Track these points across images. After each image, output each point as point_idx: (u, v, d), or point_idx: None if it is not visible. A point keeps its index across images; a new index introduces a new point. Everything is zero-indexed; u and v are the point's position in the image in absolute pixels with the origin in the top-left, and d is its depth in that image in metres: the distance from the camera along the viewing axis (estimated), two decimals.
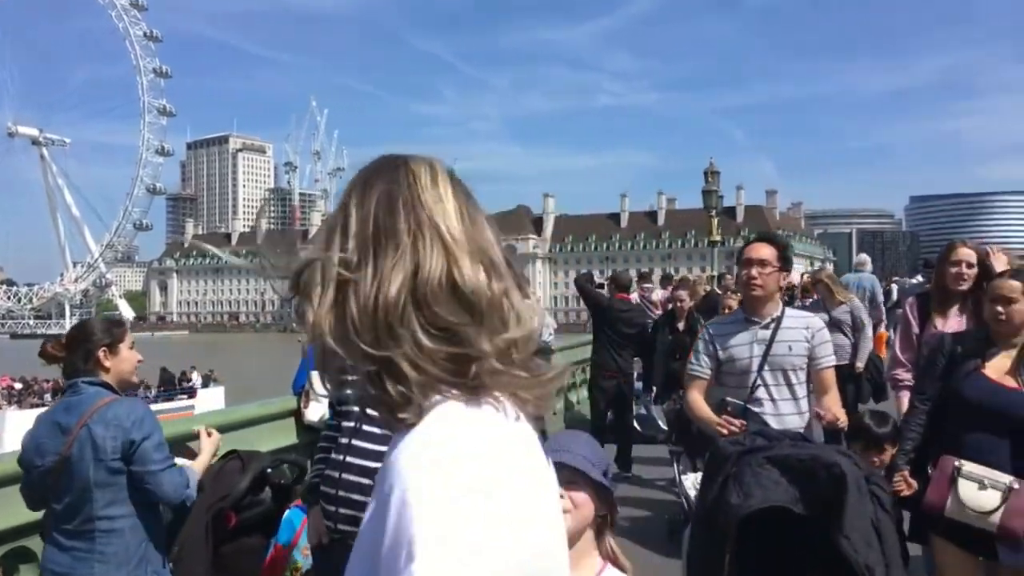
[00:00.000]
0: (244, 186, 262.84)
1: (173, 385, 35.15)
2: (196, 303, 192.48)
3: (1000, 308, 3.18)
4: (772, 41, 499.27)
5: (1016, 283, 3.20)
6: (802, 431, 3.18)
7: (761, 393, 3.46)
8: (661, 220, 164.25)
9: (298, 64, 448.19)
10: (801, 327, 3.54)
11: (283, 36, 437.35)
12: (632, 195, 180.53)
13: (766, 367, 3.45)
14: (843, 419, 3.41)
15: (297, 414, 5.16)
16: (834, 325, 7.14)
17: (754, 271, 3.45)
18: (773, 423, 3.31)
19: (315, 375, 5.16)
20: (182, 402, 30.58)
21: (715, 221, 21.60)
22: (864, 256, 13.49)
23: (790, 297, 9.31)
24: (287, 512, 3.75)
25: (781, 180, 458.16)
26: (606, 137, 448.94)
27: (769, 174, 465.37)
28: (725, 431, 3.16)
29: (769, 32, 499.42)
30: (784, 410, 3.46)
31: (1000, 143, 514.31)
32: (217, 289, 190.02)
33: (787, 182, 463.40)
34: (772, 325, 3.49)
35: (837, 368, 7.07)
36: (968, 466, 3.06)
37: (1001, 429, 3.09)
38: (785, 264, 3.51)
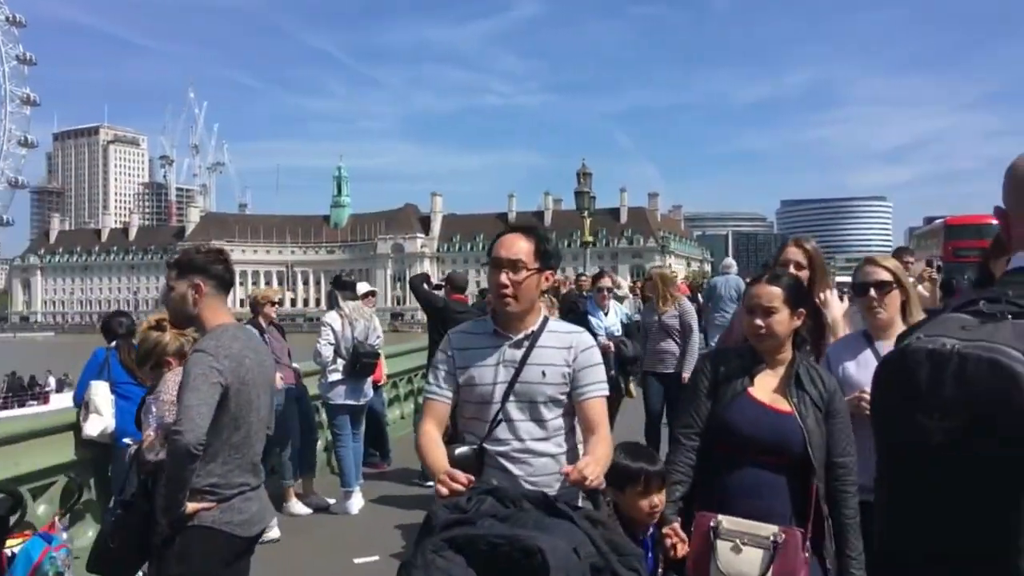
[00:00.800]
0: (116, 180, 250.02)
1: (23, 390, 33.12)
2: (63, 303, 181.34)
3: (758, 320, 2.67)
4: (654, 49, 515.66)
5: (776, 289, 2.68)
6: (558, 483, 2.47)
7: (503, 432, 2.57)
8: (548, 220, 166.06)
9: (176, 53, 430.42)
10: (562, 347, 2.62)
11: (160, 23, 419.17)
12: (521, 195, 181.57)
13: (511, 397, 2.57)
14: (592, 478, 2.25)
15: (77, 428, 4.71)
16: (663, 330, 7.10)
17: (503, 277, 2.54)
18: (519, 472, 2.53)
19: (96, 385, 4.72)
20: (31, 408, 28.83)
21: (587, 222, 21.79)
22: (730, 260, 14.02)
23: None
24: (24, 544, 3.33)
25: (664, 183, 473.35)
26: (495, 137, 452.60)
27: (652, 177, 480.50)
28: (444, 490, 2.18)
29: (651, 40, 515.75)
30: (537, 451, 2.58)
31: (864, 151, 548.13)
32: (86, 288, 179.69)
33: (669, 185, 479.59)
34: (525, 343, 2.60)
35: (665, 376, 7.03)
36: (726, 522, 2.51)
37: (774, 462, 2.59)
38: (544, 261, 2.59)
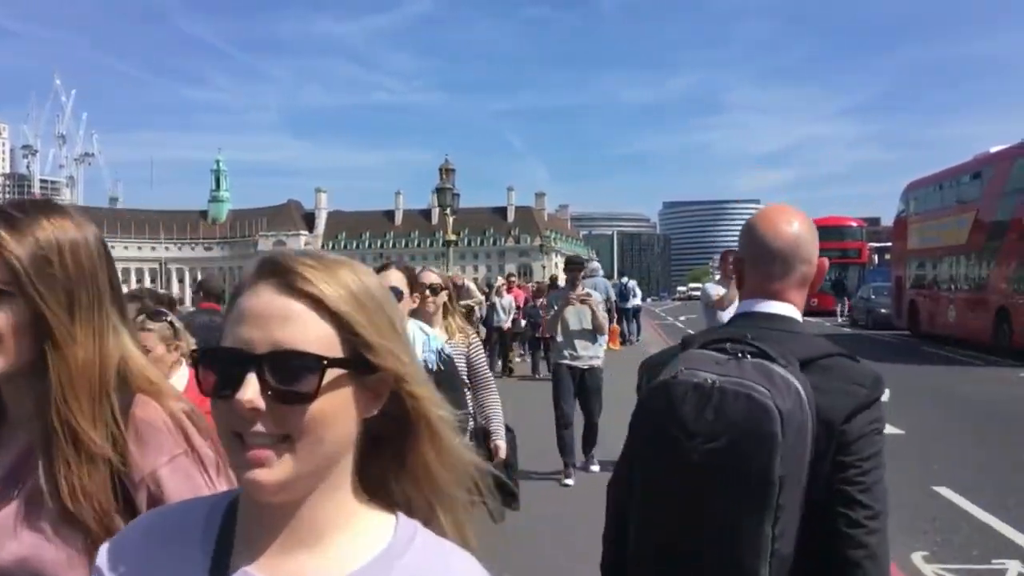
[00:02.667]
0: None
1: None
2: None
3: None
4: (544, 50, 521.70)
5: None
6: None
7: None
8: (435, 219, 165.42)
9: (43, 38, 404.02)
10: None
11: (22, 4, 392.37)
12: (410, 194, 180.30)
13: None
14: None
15: None
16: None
17: None
18: None
19: None
20: None
21: (450, 220, 21.62)
22: (596, 264, 16.37)
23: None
24: None
25: (552, 183, 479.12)
26: (385, 134, 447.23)
27: (542, 178, 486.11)
28: None
29: (542, 42, 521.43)
30: None
31: (742, 155, 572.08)
32: None
33: (557, 185, 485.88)
34: None
35: None
36: None
37: None
38: None
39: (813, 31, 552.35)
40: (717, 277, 7.51)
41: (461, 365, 4.06)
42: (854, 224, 41.03)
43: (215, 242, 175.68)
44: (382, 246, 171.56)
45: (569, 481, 6.94)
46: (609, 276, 70.64)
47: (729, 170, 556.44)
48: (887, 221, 44.96)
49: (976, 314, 19.23)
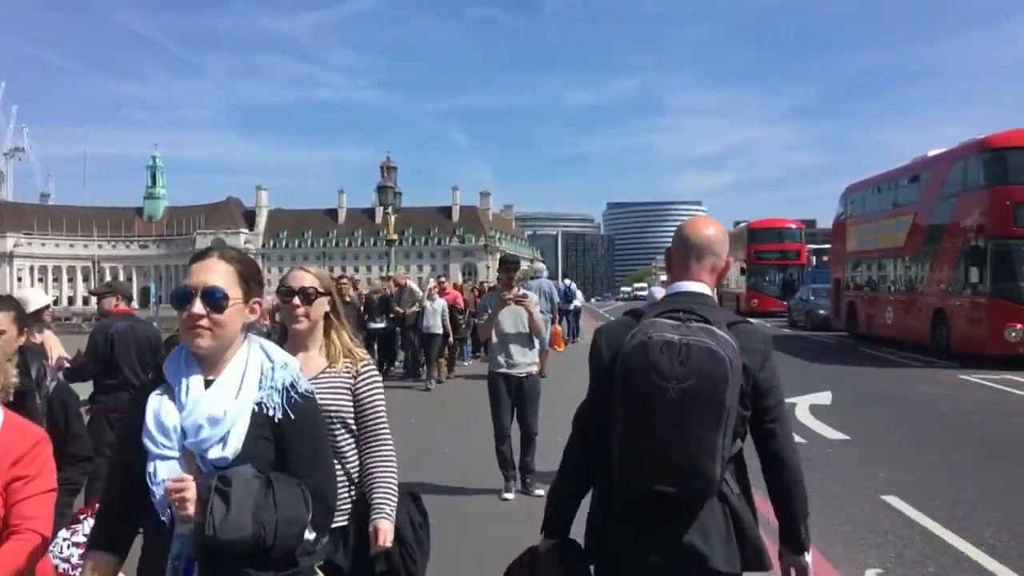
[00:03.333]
0: None
1: None
2: None
3: None
4: (490, 50, 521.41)
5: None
6: None
7: None
8: (379, 218, 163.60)
9: None
10: None
11: None
12: (354, 192, 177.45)
13: None
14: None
15: None
16: None
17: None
18: None
19: None
20: None
21: (391, 219, 21.10)
22: (541, 264, 16.61)
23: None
24: None
25: (497, 183, 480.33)
26: (328, 131, 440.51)
27: (487, 177, 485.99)
28: None
29: (487, 42, 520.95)
30: None
31: (684, 157, 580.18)
32: None
33: (502, 185, 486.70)
34: None
35: None
36: None
37: None
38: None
39: (751, 37, 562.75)
40: (663, 278, 7.25)
41: (341, 403, 2.83)
42: (793, 226, 41.59)
43: (151, 240, 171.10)
44: (324, 245, 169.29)
45: (509, 495, 6.52)
46: (553, 276, 70.64)
47: (671, 172, 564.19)
48: (824, 224, 45.77)
49: (913, 316, 19.49)
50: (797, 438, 9.16)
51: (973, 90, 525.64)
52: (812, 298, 29.74)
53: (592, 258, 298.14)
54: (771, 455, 2.25)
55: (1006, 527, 5.76)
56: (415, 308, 14.23)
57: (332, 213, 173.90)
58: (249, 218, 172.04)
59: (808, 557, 2.29)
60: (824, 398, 12.22)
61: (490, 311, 6.57)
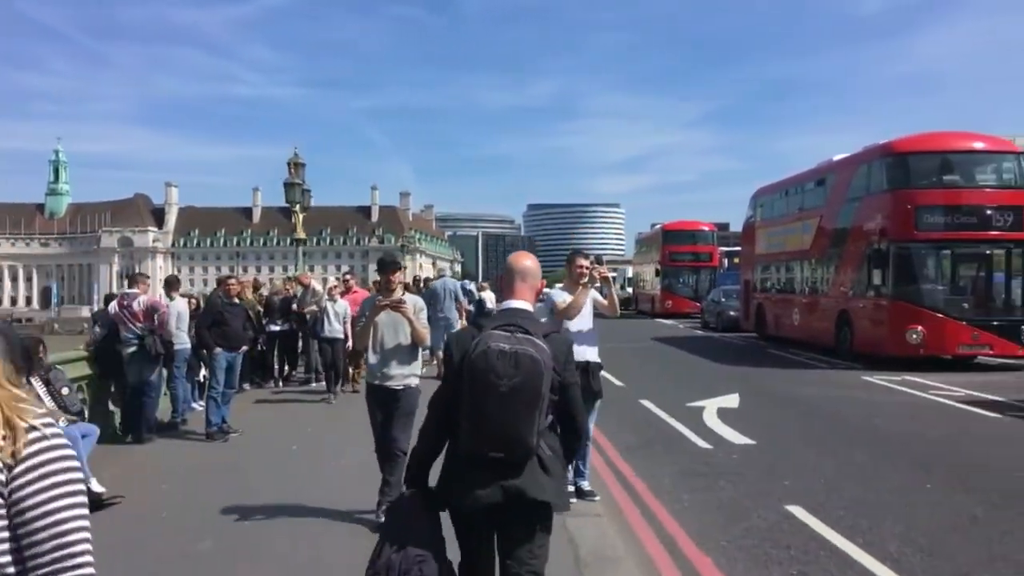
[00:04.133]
0: None
1: None
2: None
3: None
4: (410, 50, 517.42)
5: None
6: None
7: None
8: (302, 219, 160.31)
9: None
10: None
11: None
12: (269, 190, 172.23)
13: None
14: None
15: None
16: None
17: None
18: None
19: None
20: None
21: (299, 217, 20.35)
22: (444, 264, 16.03)
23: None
24: None
25: (418, 183, 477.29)
26: (244, 129, 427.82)
27: (407, 177, 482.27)
28: None
29: (406, 42, 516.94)
30: None
31: (603, 160, 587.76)
32: None
33: (423, 186, 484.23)
34: None
35: None
36: None
37: None
38: None
39: (665, 44, 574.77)
40: (559, 285, 6.82)
41: None
42: (706, 228, 42.21)
43: (52, 237, 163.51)
44: (238, 244, 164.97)
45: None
46: (475, 277, 70.16)
47: (590, 174, 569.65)
48: (736, 227, 46.68)
49: (819, 318, 19.79)
50: (703, 443, 8.96)
51: (872, 100, 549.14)
52: (723, 300, 30.13)
53: None
54: (567, 419, 3.13)
55: (909, 539, 5.58)
56: (312, 308, 13.39)
57: (246, 212, 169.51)
58: (158, 216, 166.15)
59: (586, 482, 4.78)
60: (732, 401, 12.12)
61: (366, 317, 5.95)
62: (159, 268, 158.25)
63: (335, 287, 13.06)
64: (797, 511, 6.24)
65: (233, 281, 10.24)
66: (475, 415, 2.91)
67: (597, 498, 6.38)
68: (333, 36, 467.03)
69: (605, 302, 6.56)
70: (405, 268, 6.62)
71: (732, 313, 28.34)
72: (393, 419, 5.86)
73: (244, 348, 10.13)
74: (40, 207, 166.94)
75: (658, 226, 44.15)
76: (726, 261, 42.02)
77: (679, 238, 40.92)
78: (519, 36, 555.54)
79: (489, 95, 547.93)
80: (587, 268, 6.37)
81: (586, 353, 6.36)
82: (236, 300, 10.06)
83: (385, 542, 3.01)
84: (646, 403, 11.91)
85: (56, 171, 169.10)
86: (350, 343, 11.81)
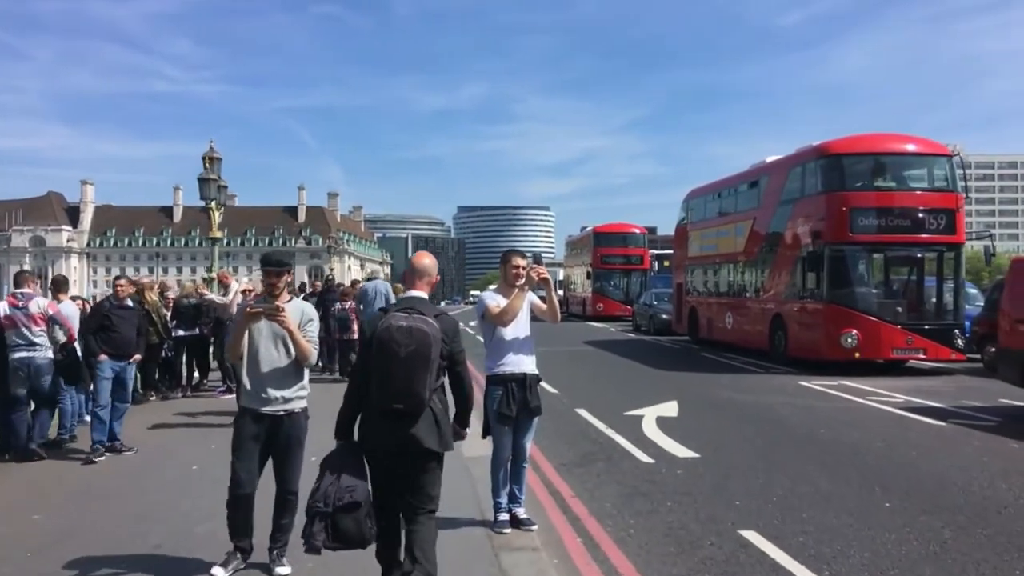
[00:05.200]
0: None
1: None
2: None
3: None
4: (338, 50, 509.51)
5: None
6: None
7: None
8: (219, 217, 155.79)
9: None
10: None
11: None
12: (191, 189, 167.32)
13: None
14: None
15: None
16: None
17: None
18: None
19: None
20: None
21: (215, 215, 19.21)
22: (377, 267, 15.71)
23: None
24: None
25: (347, 185, 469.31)
26: (165, 125, 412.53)
27: (336, 178, 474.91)
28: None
29: (335, 41, 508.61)
30: None
31: (533, 163, 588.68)
32: None
33: (352, 187, 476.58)
34: None
35: None
36: None
37: None
38: None
39: (593, 49, 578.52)
40: (492, 286, 6.09)
41: None
42: (637, 231, 42.10)
43: None
44: (158, 244, 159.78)
45: (219, 572, 4.70)
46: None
47: (520, 177, 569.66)
48: (664, 230, 46.85)
49: (752, 321, 19.56)
50: (644, 456, 8.33)
51: (791, 109, 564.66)
52: (655, 303, 29.92)
53: (443, 261, 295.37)
54: (456, 378, 4.16)
55: (879, 569, 5.03)
56: (220, 307, 12.32)
57: (167, 211, 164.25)
58: (73, 214, 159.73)
59: (468, 431, 4.41)
60: (670, 409, 11.60)
61: (235, 327, 4.95)
62: (73, 268, 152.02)
63: (248, 289, 11.27)
64: (753, 537, 5.64)
65: (123, 281, 9.11)
66: (381, 375, 3.84)
67: (534, 527, 5.66)
68: (258, 33, 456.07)
69: (544, 307, 5.84)
70: (292, 271, 5.47)
71: (664, 316, 28.12)
72: (276, 453, 4.81)
73: (136, 357, 9.00)
74: None
75: (589, 228, 43.87)
76: (657, 264, 42.02)
77: (610, 240, 40.70)
78: (448, 39, 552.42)
79: (418, 96, 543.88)
80: (524, 269, 5.66)
81: (523, 364, 5.65)
82: (128, 303, 8.99)
83: (324, 476, 3.94)
84: (582, 412, 11.30)
85: None
86: None
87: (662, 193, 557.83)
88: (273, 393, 4.77)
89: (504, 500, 5.71)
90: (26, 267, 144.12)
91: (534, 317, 5.84)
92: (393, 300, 16.47)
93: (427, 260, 4.34)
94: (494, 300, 5.67)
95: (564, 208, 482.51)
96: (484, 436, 5.84)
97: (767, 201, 19.16)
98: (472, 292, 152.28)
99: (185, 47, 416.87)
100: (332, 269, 53.54)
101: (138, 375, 11.65)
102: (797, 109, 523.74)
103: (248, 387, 4.81)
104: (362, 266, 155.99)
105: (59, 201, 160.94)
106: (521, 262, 5.70)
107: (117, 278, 9.36)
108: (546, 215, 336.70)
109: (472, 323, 44.60)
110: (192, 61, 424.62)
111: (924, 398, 12.58)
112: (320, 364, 15.58)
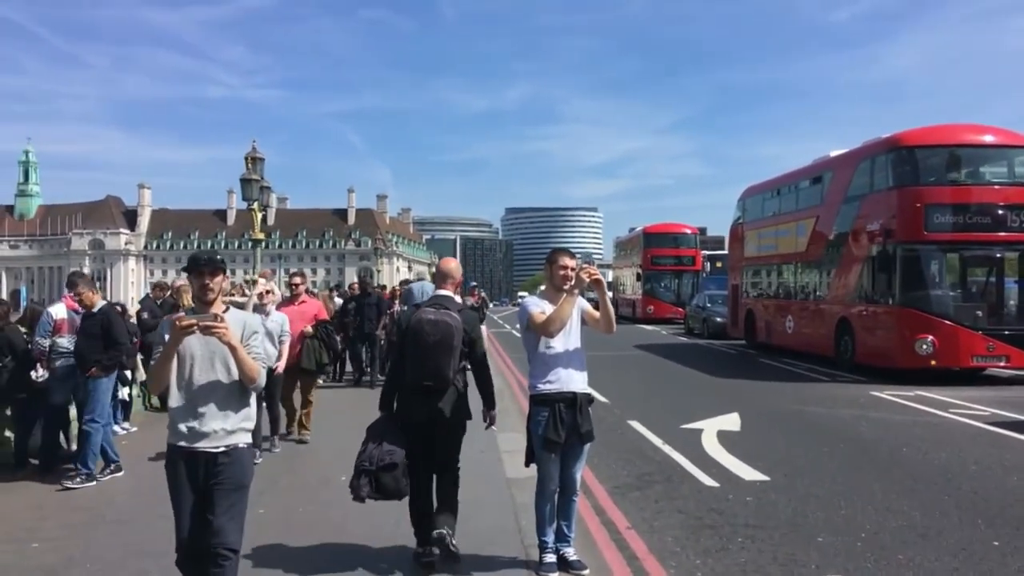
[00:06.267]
0: None
1: None
2: None
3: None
4: (386, 53, 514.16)
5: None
6: None
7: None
8: (272, 219, 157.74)
9: None
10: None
11: None
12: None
13: None
14: None
15: None
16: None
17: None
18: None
19: None
20: None
21: (257, 216, 18.76)
22: (424, 269, 14.99)
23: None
24: None
25: (395, 187, 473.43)
26: (218, 130, 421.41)
27: (385, 180, 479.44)
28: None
29: (382, 45, 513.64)
30: None
31: (580, 164, 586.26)
32: None
33: (400, 189, 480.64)
34: None
35: None
36: None
37: None
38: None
39: (636, 50, 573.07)
40: (542, 287, 5.29)
41: None
42: (688, 231, 40.93)
43: (23, 240, 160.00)
44: (213, 246, 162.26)
45: None
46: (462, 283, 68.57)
47: (567, 178, 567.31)
48: (713, 231, 45.71)
49: (816, 326, 18.45)
50: (707, 479, 7.44)
51: (840, 107, 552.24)
52: (708, 305, 28.84)
53: (491, 263, 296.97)
54: (477, 364, 5.11)
55: None
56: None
57: (221, 214, 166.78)
58: (130, 218, 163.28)
59: (496, 410, 5.31)
60: (732, 422, 10.70)
61: (164, 344, 3.76)
62: (131, 271, 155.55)
63: (266, 292, 8.94)
64: None
65: (82, 288, 7.63)
66: (414, 359, 4.83)
67: (585, 572, 4.87)
68: (309, 38, 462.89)
69: (596, 314, 5.04)
70: (226, 272, 4.06)
71: (718, 319, 27.05)
72: (213, 499, 3.74)
73: (91, 371, 7.57)
74: (9, 208, 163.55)
75: (639, 228, 42.77)
76: (708, 265, 40.78)
77: (661, 241, 39.59)
78: (492, 41, 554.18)
79: (464, 99, 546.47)
80: (573, 270, 4.88)
81: (572, 381, 4.86)
82: (93, 311, 7.70)
83: (369, 441, 4.89)
84: (635, 425, 10.48)
85: (26, 172, 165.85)
86: (280, 366, 8.65)
87: (708, 194, 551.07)
88: (211, 425, 3.74)
89: (551, 539, 4.92)
90: (85, 269, 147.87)
91: (584, 325, 5.07)
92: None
93: (452, 264, 5.37)
94: (538, 307, 4.89)
95: (610, 209, 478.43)
96: (527, 464, 5.08)
97: (831, 198, 18.03)
98: (520, 293, 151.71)
99: (239, 53, 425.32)
100: (379, 271, 53.33)
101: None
102: (846, 108, 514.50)
103: (178, 419, 3.77)
104: (409, 268, 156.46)
105: (117, 205, 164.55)
106: (570, 262, 4.92)
107: (73, 280, 7.83)
108: (594, 216, 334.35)
109: (518, 326, 43.89)
110: (245, 67, 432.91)
111: (1012, 411, 11.46)
112: (363, 371, 14.91)
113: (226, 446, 3.76)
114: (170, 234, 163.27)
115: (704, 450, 8.95)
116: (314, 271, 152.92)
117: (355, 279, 20.44)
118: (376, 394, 5.38)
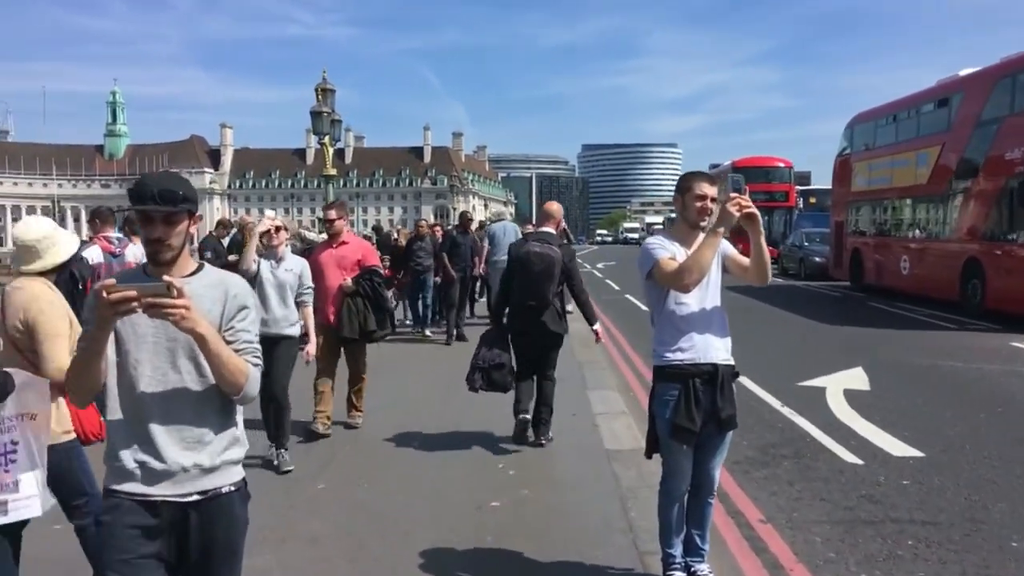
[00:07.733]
0: None
1: None
2: None
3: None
4: None
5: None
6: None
7: None
8: (349, 158, 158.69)
9: None
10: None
11: None
12: None
13: None
14: None
15: None
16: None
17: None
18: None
19: None
20: None
21: (329, 151, 17.81)
22: (502, 208, 15.02)
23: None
24: None
25: (470, 125, 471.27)
26: (296, 69, 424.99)
27: (460, 118, 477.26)
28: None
29: None
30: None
31: (658, 99, 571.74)
32: None
33: (475, 127, 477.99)
34: None
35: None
36: None
37: None
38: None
39: None
40: (648, 219, 4.04)
41: None
42: (781, 164, 38.49)
43: (112, 179, 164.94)
44: (292, 185, 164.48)
45: None
46: (528, 219, 66.89)
47: (645, 114, 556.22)
48: (800, 166, 43.09)
49: (938, 266, 16.61)
50: (847, 454, 6.21)
51: (938, 34, 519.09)
52: (806, 244, 26.94)
53: (567, 200, 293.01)
54: (575, 292, 6.55)
55: None
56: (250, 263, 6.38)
57: (300, 153, 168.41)
58: (214, 157, 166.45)
59: (597, 325, 6.80)
60: (858, 379, 9.33)
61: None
62: (216, 209, 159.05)
63: (274, 229, 6.25)
64: None
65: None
66: (522, 283, 6.35)
67: None
68: None
69: (745, 262, 3.77)
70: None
71: (817, 259, 25.18)
72: (190, 571, 2.35)
73: None
74: (99, 148, 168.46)
75: (727, 163, 40.46)
76: (802, 201, 38.40)
77: (752, 175, 37.25)
78: None
79: (541, 33, 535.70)
80: (715, 200, 3.63)
81: (711, 350, 3.62)
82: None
83: (482, 347, 6.50)
84: (744, 381, 9.15)
85: (114, 112, 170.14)
86: (310, 347, 6.45)
87: (793, 127, 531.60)
88: (175, 458, 2.27)
89: (678, 552, 3.77)
90: None
91: (725, 273, 3.83)
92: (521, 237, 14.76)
93: (554, 207, 6.81)
94: (666, 251, 3.61)
95: (689, 146, 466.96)
96: (648, 455, 3.91)
97: (961, 122, 15.97)
98: (598, 231, 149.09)
99: None
100: (455, 209, 52.43)
101: None
102: (945, 36, 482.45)
103: (121, 446, 2.29)
104: (486, 206, 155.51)
105: (201, 144, 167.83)
106: (710, 190, 3.63)
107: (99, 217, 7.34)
108: (673, 152, 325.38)
109: (600, 265, 42.44)
110: (323, 4, 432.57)
111: None
112: (425, 321, 13.45)
113: (202, 492, 2.31)
114: (252, 173, 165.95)
115: (834, 415, 7.65)
116: (391, 209, 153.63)
117: (432, 218, 19.18)
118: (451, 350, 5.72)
